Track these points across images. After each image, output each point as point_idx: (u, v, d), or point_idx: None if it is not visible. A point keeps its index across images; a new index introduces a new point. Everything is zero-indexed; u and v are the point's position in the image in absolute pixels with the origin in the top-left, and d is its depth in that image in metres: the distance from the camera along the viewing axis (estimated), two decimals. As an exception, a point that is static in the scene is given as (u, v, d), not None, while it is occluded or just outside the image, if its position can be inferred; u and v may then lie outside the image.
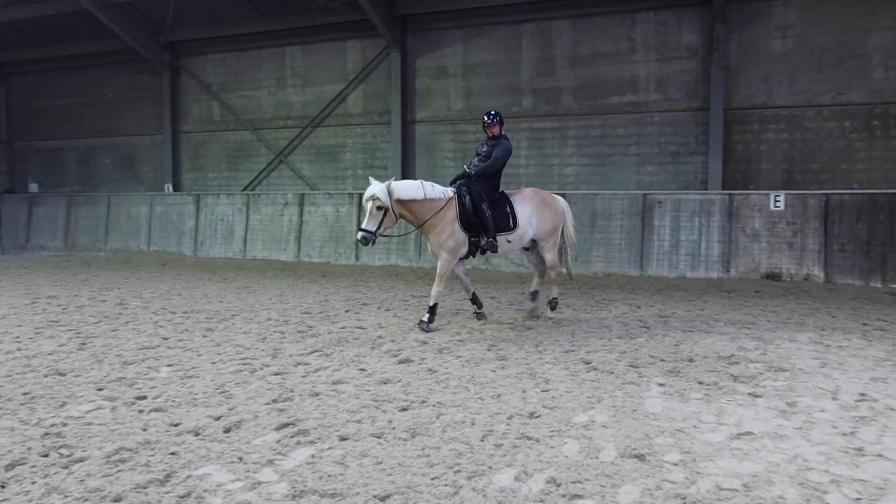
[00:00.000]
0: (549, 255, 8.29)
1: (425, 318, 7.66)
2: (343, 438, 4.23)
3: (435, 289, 7.76)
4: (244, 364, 6.10)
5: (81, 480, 3.61)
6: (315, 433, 4.32)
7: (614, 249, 13.00)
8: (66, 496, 3.43)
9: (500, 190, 8.17)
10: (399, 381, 5.53)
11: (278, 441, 4.20)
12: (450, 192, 7.97)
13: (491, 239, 7.80)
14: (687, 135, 13.36)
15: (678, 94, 13.38)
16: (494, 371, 5.84)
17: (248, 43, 17.03)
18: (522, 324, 8.02)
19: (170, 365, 6.09)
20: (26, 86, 20.56)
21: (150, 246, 17.46)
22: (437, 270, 7.82)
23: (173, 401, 4.99)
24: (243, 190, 17.16)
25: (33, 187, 20.43)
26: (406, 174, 15.33)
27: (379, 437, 4.24)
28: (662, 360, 6.23)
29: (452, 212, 7.79)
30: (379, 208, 7.43)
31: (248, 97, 17.33)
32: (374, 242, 7.49)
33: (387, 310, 9.05)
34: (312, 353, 6.56)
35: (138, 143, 18.95)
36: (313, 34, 16.22)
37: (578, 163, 14.26)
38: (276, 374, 5.76)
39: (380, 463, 3.85)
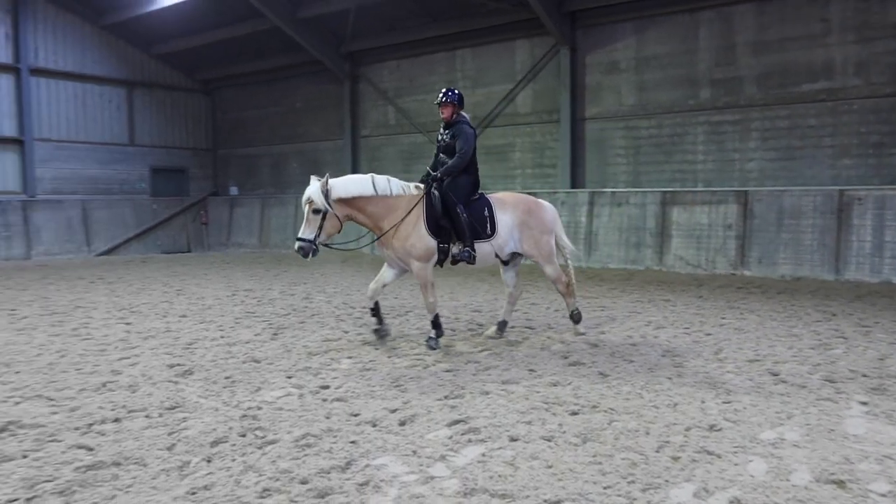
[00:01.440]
0: (549, 269, 7.20)
1: (432, 334, 6.79)
2: (513, 439, 4.24)
3: (426, 301, 6.79)
4: (417, 360, 6.32)
5: (273, 461, 3.92)
6: (485, 432, 4.36)
7: (804, 251, 11.87)
8: (260, 474, 3.75)
9: (480, 191, 7.08)
10: (569, 384, 5.45)
11: (450, 437, 4.29)
12: (412, 188, 6.86)
13: (467, 247, 6.71)
14: (893, 123, 11.88)
15: (881, 77, 11.93)
16: (670, 379, 5.57)
17: (421, 48, 17.65)
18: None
19: (350, 357, 6.46)
20: (228, 99, 22.83)
21: (332, 244, 18.66)
22: (419, 282, 6.85)
23: (353, 392, 5.28)
24: (415, 190, 17.82)
25: (234, 190, 22.67)
26: (576, 173, 15.10)
27: (549, 441, 4.20)
28: (864, 376, 5.59)
29: (417, 212, 6.68)
30: (316, 212, 6.37)
31: (420, 101, 17.96)
32: (314, 253, 6.40)
33: (556, 310, 8.96)
34: (483, 351, 6.65)
35: (323, 147, 20.35)
36: (483, 36, 16.47)
37: (763, 157, 13.20)
38: (448, 370, 5.90)
39: (550, 467, 3.81)
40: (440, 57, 17.53)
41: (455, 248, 6.76)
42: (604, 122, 15.02)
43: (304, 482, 3.64)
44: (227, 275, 13.48)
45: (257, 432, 4.40)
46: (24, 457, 4.02)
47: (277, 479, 3.67)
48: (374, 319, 7.08)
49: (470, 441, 4.22)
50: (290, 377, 5.74)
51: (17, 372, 6.01)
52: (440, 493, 3.52)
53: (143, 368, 6.09)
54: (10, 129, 18.46)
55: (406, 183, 6.90)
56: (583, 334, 7.31)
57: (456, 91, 7.06)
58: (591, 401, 4.98)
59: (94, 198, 19.74)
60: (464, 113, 7.15)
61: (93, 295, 10.88)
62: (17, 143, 18.58)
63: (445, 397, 5.11)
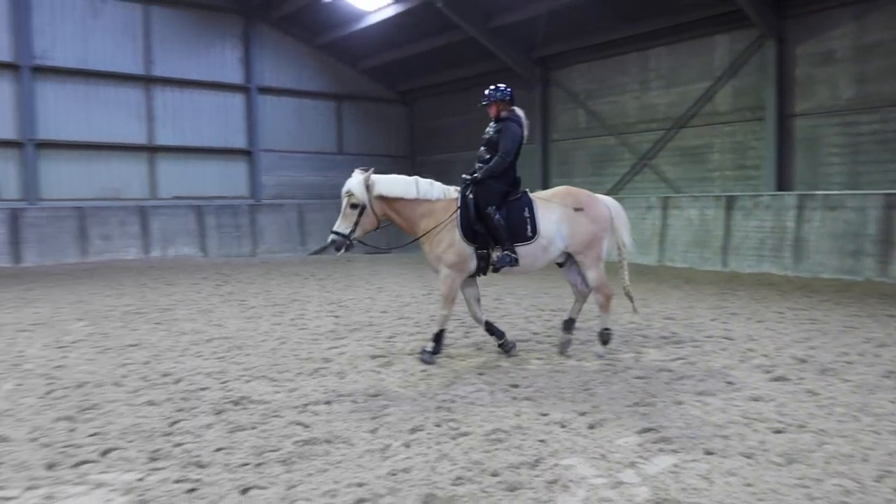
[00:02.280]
0: (592, 273, 6.53)
1: (429, 346, 6.46)
2: (709, 452, 4.07)
3: (439, 312, 6.48)
4: (607, 364, 6.26)
5: (466, 452, 4.13)
6: (678, 442, 4.24)
7: None
8: (454, 463, 3.96)
9: (522, 190, 6.61)
10: (772, 400, 5.10)
11: (640, 444, 4.23)
12: (453, 192, 6.55)
13: (506, 251, 6.26)
14: None
15: None
16: (894, 402, 5.00)
17: (613, 49, 17.31)
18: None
19: (539, 359, 6.56)
20: (425, 108, 24.02)
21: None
22: (441, 290, 6.47)
23: (542, 392, 5.38)
24: (607, 194, 17.50)
25: (428, 195, 23.77)
26: (782, 174, 13.93)
27: (749, 458, 3.98)
28: None
29: (453, 217, 6.37)
30: (353, 206, 6.20)
31: (612, 103, 17.62)
32: (348, 248, 6.24)
33: (758, 321, 8.37)
34: (676, 360, 6.42)
35: (512, 152, 20.69)
36: (678, 33, 15.77)
37: None
38: (639, 377, 5.79)
39: (749, 485, 3.62)
40: (632, 57, 17.07)
41: (495, 255, 6.37)
42: (816, 119, 13.70)
43: (494, 475, 3.80)
44: (422, 274, 14.18)
45: (451, 424, 4.64)
46: (254, 428, 4.60)
47: (469, 470, 3.87)
48: (493, 337, 6.76)
49: (661, 450, 4.13)
50: (481, 374, 5.97)
51: (248, 354, 6.86)
52: (629, 499, 3.49)
53: (349, 358, 6.66)
54: (242, 142, 20.99)
55: (448, 187, 6.61)
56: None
57: (501, 87, 6.74)
58: (798, 419, 4.63)
59: (308, 202, 21.75)
60: (517, 110, 6.79)
61: (307, 290, 12.03)
62: (247, 154, 21.06)
63: (636, 404, 5.03)
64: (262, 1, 20.41)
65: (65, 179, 18.17)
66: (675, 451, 4.11)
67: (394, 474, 3.82)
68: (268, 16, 21.01)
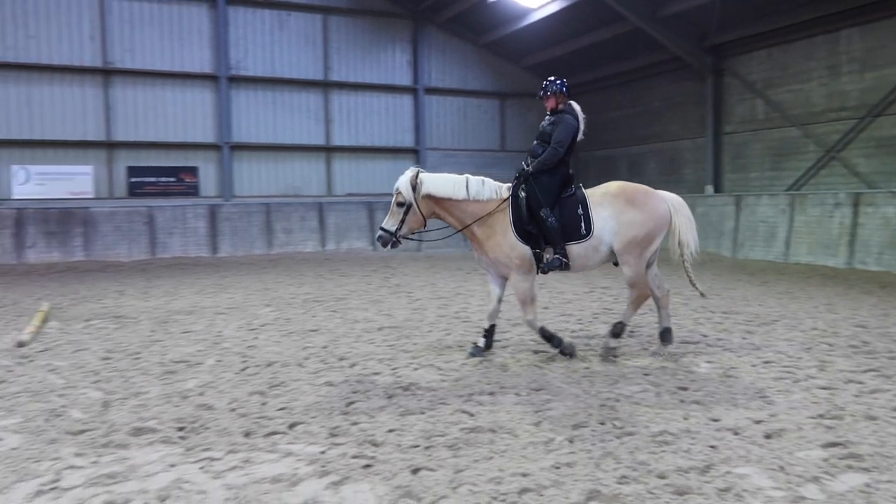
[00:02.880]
0: (629, 271, 6.19)
1: (554, 344, 6.31)
2: (907, 473, 3.70)
3: (525, 318, 6.31)
4: (786, 372, 5.85)
5: (631, 452, 4.06)
6: (870, 460, 3.89)
7: None
8: (618, 462, 3.92)
9: (576, 185, 6.34)
10: None
11: (825, 459, 3.93)
12: (504, 191, 6.32)
13: (557, 254, 6.04)
14: None
15: None
16: None
17: (797, 33, 15.95)
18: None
19: (709, 362, 6.26)
20: (588, 103, 23.44)
21: (688, 246, 18.04)
22: (517, 296, 6.28)
23: (712, 396, 5.14)
24: (787, 190, 16.22)
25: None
26: None
27: (957, 482, 3.57)
28: None
29: (505, 217, 6.17)
30: (400, 204, 6.19)
31: (794, 91, 16.27)
32: (394, 245, 6.20)
33: (970, 333, 7.40)
34: (867, 371, 5.85)
35: (682, 146, 19.78)
36: (874, 11, 14.20)
37: None
38: (823, 388, 5.35)
39: (958, 512, 3.25)
40: (819, 40, 15.62)
41: (546, 256, 6.16)
42: None
43: (661, 477, 3.71)
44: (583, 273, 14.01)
45: (615, 422, 4.59)
46: (422, 413, 4.83)
47: (635, 470, 3.80)
48: (483, 340, 6.56)
49: (850, 467, 3.81)
50: (647, 374, 5.81)
51: (415, 343, 7.19)
52: (812, 514, 3.27)
53: (512, 351, 6.76)
54: (409, 141, 21.91)
55: (500, 184, 6.43)
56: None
57: (559, 80, 6.47)
58: None
59: (469, 199, 22.23)
60: (574, 103, 6.50)
61: (470, 284, 12.33)
62: (414, 152, 21.93)
63: (820, 416, 4.66)
64: (430, 4, 21.11)
65: (254, 178, 20.02)
66: (866, 470, 3.77)
67: (557, 468, 3.86)
68: (435, 18, 21.71)
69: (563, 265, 6.16)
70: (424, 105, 21.94)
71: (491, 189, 6.37)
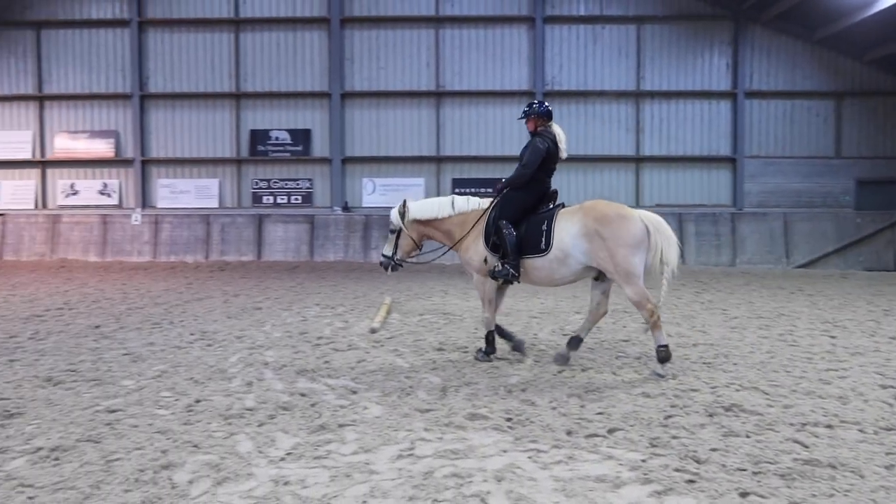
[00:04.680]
0: (628, 290, 6.23)
1: (483, 347, 7.07)
2: None
3: (483, 314, 7.11)
4: None
5: None
6: None
7: None
8: None
9: (555, 203, 6.80)
10: None
11: None
12: (485, 204, 6.96)
13: (506, 264, 6.51)
14: None
15: None
16: None
17: None
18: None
19: None
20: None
21: None
22: (478, 295, 7.13)
23: None
24: None
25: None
26: None
27: None
28: None
29: (480, 226, 6.86)
30: (392, 231, 7.15)
31: None
32: (393, 268, 7.19)
33: None
34: None
35: None
36: None
37: None
38: None
39: None
40: None
41: (497, 266, 6.63)
42: None
43: None
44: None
45: None
46: (748, 436, 4.60)
47: None
48: (503, 340, 7.18)
49: None
50: None
51: (735, 364, 6.82)
52: None
53: (852, 383, 6.05)
54: (725, 149, 20.64)
55: (482, 200, 7.05)
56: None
57: (538, 103, 6.89)
58: None
59: (795, 211, 20.17)
60: (553, 125, 6.83)
61: (794, 305, 11.24)
62: (730, 161, 20.59)
63: None
64: (754, 2, 19.66)
65: (565, 188, 20.51)
66: None
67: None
68: (760, 17, 20.14)
69: (511, 276, 6.57)
70: (744, 110, 20.47)
71: (474, 203, 7.06)
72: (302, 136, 20.71)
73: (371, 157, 20.59)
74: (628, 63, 20.62)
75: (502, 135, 20.64)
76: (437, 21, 20.52)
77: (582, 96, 20.58)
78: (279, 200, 20.66)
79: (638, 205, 20.54)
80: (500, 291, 7.18)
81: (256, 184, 20.72)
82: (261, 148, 20.68)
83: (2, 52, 21.13)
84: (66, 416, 5.15)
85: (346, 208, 20.46)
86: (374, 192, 20.48)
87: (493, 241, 6.70)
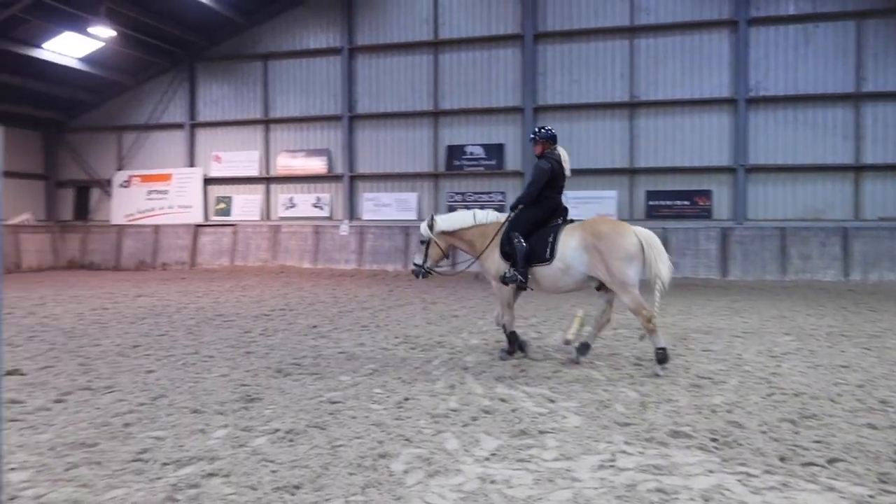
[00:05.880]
0: (625, 298, 6.91)
1: (505, 347, 7.79)
2: None
3: (502, 316, 7.69)
4: None
5: None
6: None
7: None
8: None
9: (565, 218, 7.52)
10: None
11: None
12: (503, 218, 7.71)
13: (515, 271, 7.25)
14: None
15: None
16: None
17: None
18: None
19: None
20: None
21: None
22: (497, 299, 7.76)
23: None
24: None
25: None
26: None
27: None
28: None
29: (497, 238, 7.58)
30: (422, 242, 7.85)
31: None
32: (423, 275, 7.77)
33: None
34: None
35: None
36: None
37: None
38: None
39: None
40: None
41: (507, 272, 7.32)
42: None
43: None
44: None
45: None
46: None
47: None
48: (506, 343, 7.78)
49: None
50: None
51: (984, 400, 5.99)
52: None
53: None
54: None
55: (500, 214, 7.80)
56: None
57: (545, 129, 7.56)
58: None
59: None
60: (558, 149, 7.53)
61: None
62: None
63: None
64: None
65: (770, 201, 19.24)
66: None
67: None
68: None
69: (520, 282, 7.29)
70: None
71: (493, 217, 7.82)
72: (495, 151, 21.31)
73: (561, 170, 20.64)
74: (846, 63, 18.73)
75: (700, 145, 19.70)
76: (632, 31, 20.12)
77: (791, 101, 19.04)
78: (471, 213, 21.40)
79: (857, 218, 18.55)
80: (515, 295, 7.81)
81: (452, 196, 21.63)
82: (456, 162, 21.58)
83: (236, 82, 24.10)
84: (295, 403, 5.82)
85: (535, 221, 20.67)
86: (568, 204, 20.46)
87: (506, 250, 7.47)
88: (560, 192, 7.55)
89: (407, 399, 5.95)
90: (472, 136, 21.67)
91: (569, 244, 7.13)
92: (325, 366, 7.34)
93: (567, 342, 8.63)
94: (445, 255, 8.02)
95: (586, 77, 20.50)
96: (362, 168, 22.80)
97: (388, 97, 22.44)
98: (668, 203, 19.72)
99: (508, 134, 21.29)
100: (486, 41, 21.39)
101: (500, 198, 21.18)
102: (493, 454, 4.58)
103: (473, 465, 4.39)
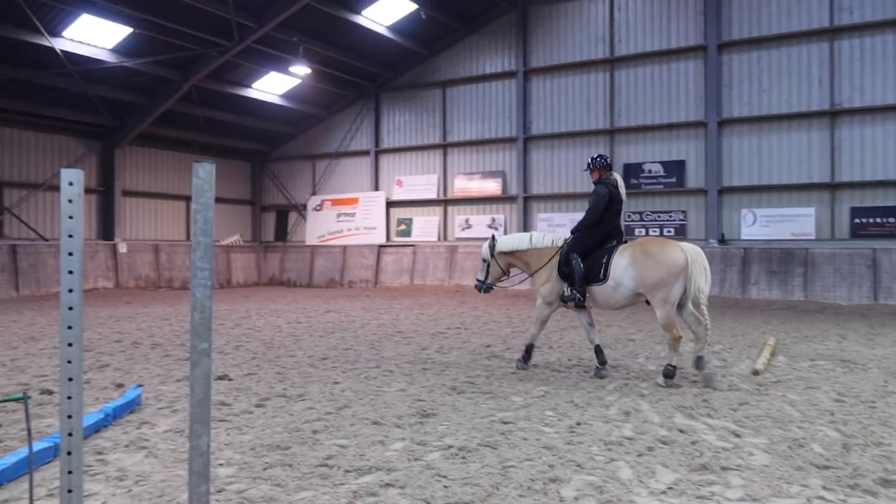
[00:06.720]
0: (659, 312, 7.42)
1: (519, 356, 8.43)
2: None
3: (530, 330, 8.34)
4: None
5: None
6: None
7: None
8: None
9: (620, 240, 7.98)
10: None
11: None
12: (560, 241, 8.21)
13: (574, 291, 7.76)
14: None
15: None
16: None
17: None
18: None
19: None
20: None
21: None
22: (536, 314, 8.33)
23: None
24: None
25: None
26: None
27: None
28: None
29: (554, 260, 8.01)
30: (483, 261, 8.51)
31: None
32: (485, 290, 8.50)
33: None
34: None
35: None
36: None
37: None
38: None
39: None
40: None
41: (566, 292, 7.90)
42: None
43: None
44: None
45: None
46: None
47: None
48: (596, 358, 7.98)
49: None
50: None
51: None
52: None
53: None
54: None
55: (558, 237, 8.35)
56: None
57: (600, 157, 8.19)
58: None
59: None
60: (614, 174, 8.15)
61: None
62: None
63: None
64: None
65: None
66: None
67: None
68: None
69: (578, 300, 7.76)
70: None
71: (549, 239, 8.28)
72: (675, 168, 20.40)
73: (751, 187, 19.25)
74: None
75: (918, 154, 17.46)
76: (832, 33, 18.37)
77: None
78: (651, 232, 20.61)
79: None
80: (584, 313, 8.17)
81: (629, 217, 21.00)
82: (633, 181, 20.93)
83: (417, 109, 25.33)
84: (468, 421, 5.93)
85: (722, 240, 19.44)
86: (755, 223, 19.04)
87: (564, 270, 7.88)
88: (617, 216, 8.07)
89: (579, 423, 5.83)
90: (650, 154, 20.95)
91: (620, 263, 7.62)
92: (497, 385, 7.41)
93: (756, 372, 8.02)
94: (505, 273, 8.60)
95: (777, 86, 19.03)
96: (536, 189, 22.87)
97: (563, 117, 22.38)
98: (878, 220, 17.62)
99: (690, 150, 20.30)
100: (666, 54, 20.63)
101: (681, 217, 20.22)
102: (670, 488, 4.34)
103: (648, 497, 4.19)
